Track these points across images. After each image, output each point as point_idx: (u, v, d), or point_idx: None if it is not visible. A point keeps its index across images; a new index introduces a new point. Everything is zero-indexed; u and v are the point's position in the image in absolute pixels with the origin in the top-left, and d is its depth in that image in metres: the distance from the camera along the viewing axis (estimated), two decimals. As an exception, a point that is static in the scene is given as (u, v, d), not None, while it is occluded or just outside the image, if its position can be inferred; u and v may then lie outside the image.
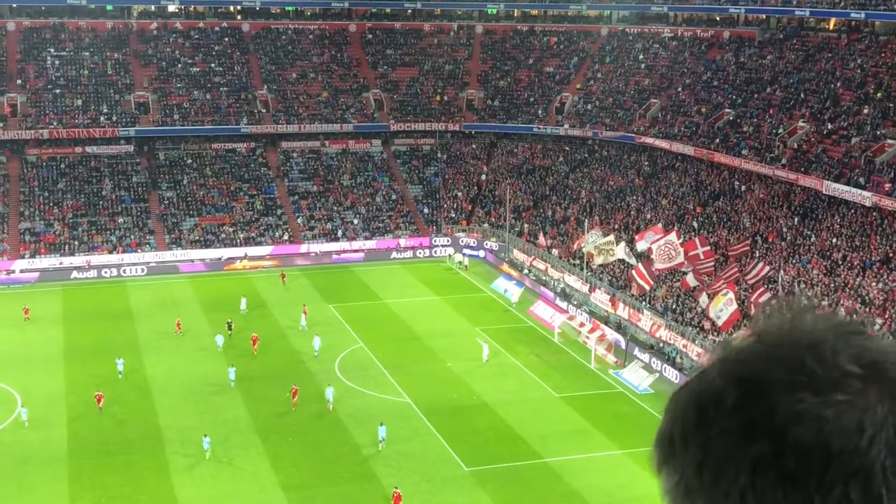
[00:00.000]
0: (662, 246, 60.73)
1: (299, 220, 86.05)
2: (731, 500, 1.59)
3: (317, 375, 55.93)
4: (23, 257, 76.99)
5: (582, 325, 64.19)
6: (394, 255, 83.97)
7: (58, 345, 60.96)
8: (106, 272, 77.25)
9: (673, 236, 61.07)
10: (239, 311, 66.11)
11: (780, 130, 72.79)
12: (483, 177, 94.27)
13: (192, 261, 79.56)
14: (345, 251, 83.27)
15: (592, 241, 66.97)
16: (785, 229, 65.33)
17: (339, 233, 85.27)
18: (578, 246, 72.16)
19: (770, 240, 64.73)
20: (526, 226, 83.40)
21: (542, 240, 77.38)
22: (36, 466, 44.20)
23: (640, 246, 65.07)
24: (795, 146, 70.18)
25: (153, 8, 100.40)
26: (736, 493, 1.58)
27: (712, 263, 59.95)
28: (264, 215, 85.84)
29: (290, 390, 51.12)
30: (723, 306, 53.77)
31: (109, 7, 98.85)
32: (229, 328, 61.22)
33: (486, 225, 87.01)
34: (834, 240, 62.00)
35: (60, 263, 77.01)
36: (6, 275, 75.33)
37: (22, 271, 75.84)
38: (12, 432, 48.03)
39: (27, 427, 48.14)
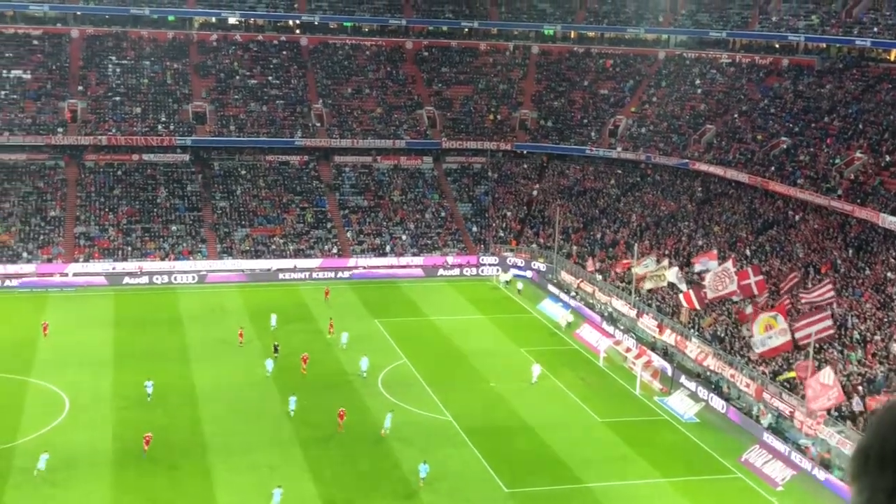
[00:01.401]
0: (719, 272, 60.05)
1: (349, 234, 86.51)
2: None
3: (362, 395, 56.07)
4: (77, 261, 78.23)
5: (628, 350, 63.68)
6: (441, 272, 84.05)
7: (107, 349, 61.78)
8: (157, 279, 78.26)
9: (729, 264, 60.34)
10: (269, 328, 66.10)
11: (837, 161, 71.81)
12: (535, 193, 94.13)
13: (243, 270, 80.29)
14: (392, 266, 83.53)
15: (646, 266, 66.41)
16: (839, 261, 64.35)
17: (388, 248, 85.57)
18: (623, 269, 71.68)
19: (823, 271, 63.77)
20: (574, 248, 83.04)
21: (590, 264, 76.96)
22: (81, 467, 44.73)
23: (697, 268, 64.58)
24: (852, 177, 69.16)
25: (214, 20, 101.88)
26: None
27: (766, 295, 59.14)
28: (314, 228, 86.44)
29: (337, 413, 50.81)
30: (773, 334, 52.82)
31: (171, 18, 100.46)
32: (276, 351, 60.08)
33: (534, 245, 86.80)
34: (889, 273, 60.93)
35: (113, 268, 78.13)
36: (59, 277, 76.57)
37: (75, 275, 77.04)
38: (60, 433, 48.68)
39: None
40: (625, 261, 72.03)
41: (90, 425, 49.52)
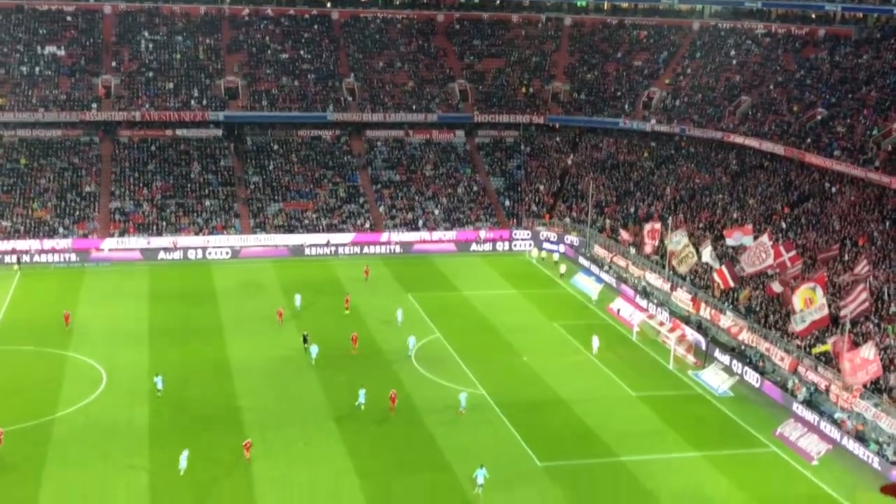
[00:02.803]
0: (754, 248, 59.59)
1: (381, 209, 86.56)
2: None
3: (396, 370, 56.31)
4: (112, 236, 78.90)
5: (662, 324, 63.41)
6: (473, 246, 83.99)
7: (143, 323, 62.38)
8: (191, 253, 78.80)
9: (765, 237, 59.81)
10: (294, 308, 65.38)
11: (875, 132, 70.83)
12: (569, 162, 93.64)
13: (276, 246, 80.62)
14: (425, 241, 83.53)
15: (677, 241, 65.92)
16: (876, 234, 63.60)
17: (420, 223, 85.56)
18: (652, 249, 71.18)
19: (860, 244, 63.06)
20: (608, 221, 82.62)
21: (624, 235, 76.56)
22: (119, 440, 45.26)
23: (729, 242, 64.05)
24: (890, 148, 68.21)
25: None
26: None
27: (800, 267, 58.62)
28: (347, 203, 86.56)
29: (388, 395, 50.23)
30: (813, 310, 52.35)
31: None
32: (305, 341, 58.02)
33: (567, 219, 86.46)
34: (927, 246, 60.16)
35: (148, 243, 78.74)
36: (95, 252, 77.26)
37: (111, 250, 77.72)
38: (99, 405, 49.27)
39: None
40: (654, 227, 71.17)
41: (127, 399, 50.07)
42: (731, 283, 61.38)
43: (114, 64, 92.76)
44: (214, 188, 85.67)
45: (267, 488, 41.37)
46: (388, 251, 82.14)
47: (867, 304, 52.05)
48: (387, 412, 49.27)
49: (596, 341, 59.62)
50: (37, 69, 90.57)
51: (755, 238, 61.74)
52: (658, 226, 71.12)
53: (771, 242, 59.43)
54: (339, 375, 53.91)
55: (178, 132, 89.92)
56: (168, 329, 61.22)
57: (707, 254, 63.97)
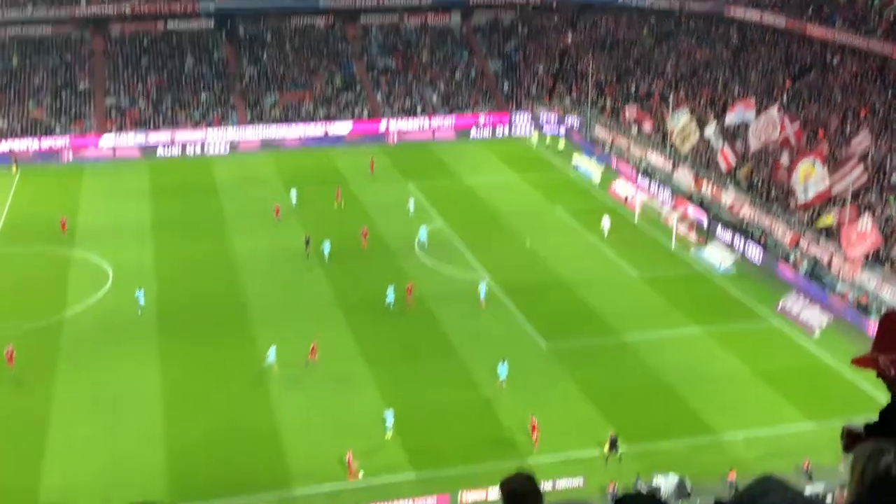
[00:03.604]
0: (763, 121, 58.75)
1: (378, 97, 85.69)
2: None
3: (398, 259, 56.56)
4: (109, 133, 78.39)
5: (664, 203, 63.40)
6: (473, 132, 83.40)
7: (146, 219, 62.48)
8: (190, 148, 78.41)
9: (774, 110, 58.91)
10: (302, 198, 64.54)
11: (876, 1, 69.45)
12: (569, 39, 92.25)
13: (274, 138, 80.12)
14: (423, 129, 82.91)
15: (678, 119, 65.28)
16: (878, 104, 63.00)
17: (419, 109, 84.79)
18: (650, 122, 70.45)
19: (862, 115, 62.54)
20: (608, 101, 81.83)
21: (627, 113, 75.84)
22: (129, 336, 45.89)
23: (730, 119, 63.34)
24: (892, 17, 67.00)
25: None
26: None
27: (803, 140, 58.22)
28: (343, 91, 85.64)
29: (405, 287, 49.83)
30: (813, 181, 52.13)
31: None
32: (307, 245, 55.96)
33: (567, 101, 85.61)
34: (930, 116, 59.65)
35: (146, 139, 78.28)
36: (93, 150, 76.91)
37: (109, 147, 77.31)
38: (106, 303, 49.76)
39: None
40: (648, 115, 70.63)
41: (134, 295, 50.45)
42: (733, 162, 61.05)
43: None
44: (209, 81, 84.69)
45: (274, 373, 42.09)
46: (386, 139, 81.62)
47: (864, 178, 51.84)
48: (401, 304, 49.37)
49: (606, 222, 59.53)
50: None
51: (758, 112, 61.07)
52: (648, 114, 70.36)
53: (780, 115, 58.67)
54: (337, 267, 54.10)
55: (170, 25, 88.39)
56: (171, 225, 61.34)
57: (710, 131, 63.40)
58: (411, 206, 63.19)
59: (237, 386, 41.67)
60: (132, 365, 43.30)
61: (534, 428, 37.18)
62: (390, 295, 48.72)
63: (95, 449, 37.15)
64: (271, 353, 42.57)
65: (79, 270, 54.46)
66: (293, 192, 65.30)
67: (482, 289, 49.78)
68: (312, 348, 43.08)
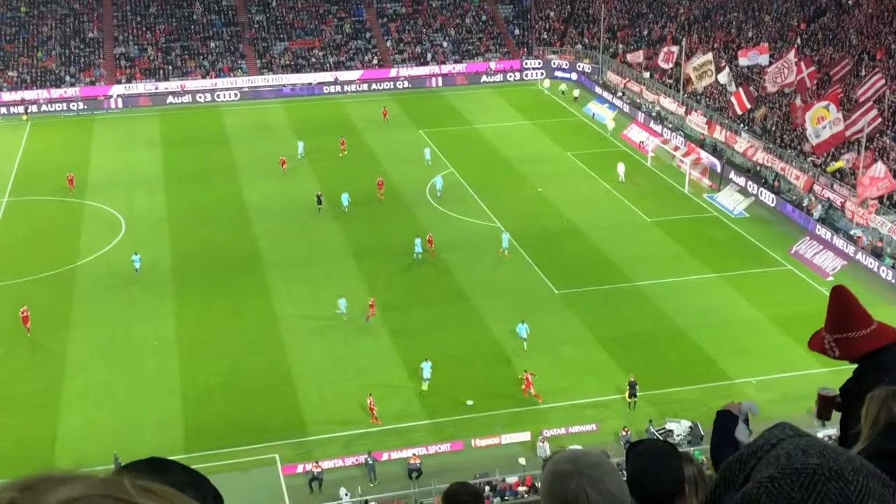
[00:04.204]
0: (779, 64, 58.09)
1: (388, 44, 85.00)
2: None
3: (410, 206, 56.44)
4: (119, 82, 78.09)
5: (676, 148, 63.02)
6: (484, 78, 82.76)
7: (157, 168, 62.43)
8: (200, 97, 78.10)
9: (791, 55, 58.23)
10: (297, 156, 63.06)
11: (896, -60, 68.18)
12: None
13: (284, 86, 79.67)
14: (434, 75, 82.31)
15: (697, 60, 64.54)
16: (894, 46, 62.16)
17: (429, 56, 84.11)
18: (668, 60, 69.66)
19: (878, 58, 61.76)
20: (621, 46, 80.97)
21: (635, 57, 75.00)
22: (144, 284, 46.10)
23: (744, 62, 62.72)
24: (911, -43, 65.85)
25: None
26: None
27: (815, 84, 57.63)
28: (353, 39, 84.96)
29: (427, 238, 49.10)
30: (826, 124, 51.60)
31: None
32: (319, 202, 54.80)
33: (578, 46, 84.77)
34: (947, 58, 58.86)
35: (156, 88, 77.98)
36: (104, 99, 76.65)
37: (119, 96, 77.07)
38: (120, 253, 49.89)
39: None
40: (667, 50, 69.81)
41: (147, 243, 50.63)
42: (748, 105, 60.48)
43: None
44: (218, 29, 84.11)
45: (290, 321, 42.31)
46: (397, 87, 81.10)
47: (879, 120, 51.35)
48: (397, 244, 49.41)
49: (621, 168, 59.21)
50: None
51: (772, 57, 60.41)
52: (674, 48, 69.64)
53: (796, 59, 58.01)
54: (350, 215, 54.08)
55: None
56: (182, 174, 61.24)
57: (724, 76, 62.80)
58: (427, 155, 62.65)
59: (252, 333, 41.89)
60: (146, 313, 43.54)
61: (528, 384, 36.92)
62: (418, 246, 48.39)
63: (111, 397, 37.50)
64: (342, 304, 42.55)
65: (92, 219, 54.58)
66: (300, 145, 64.29)
67: (505, 239, 49.17)
68: (371, 304, 42.61)
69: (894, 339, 3.17)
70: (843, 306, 3.29)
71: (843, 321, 3.28)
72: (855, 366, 3.44)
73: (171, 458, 2.15)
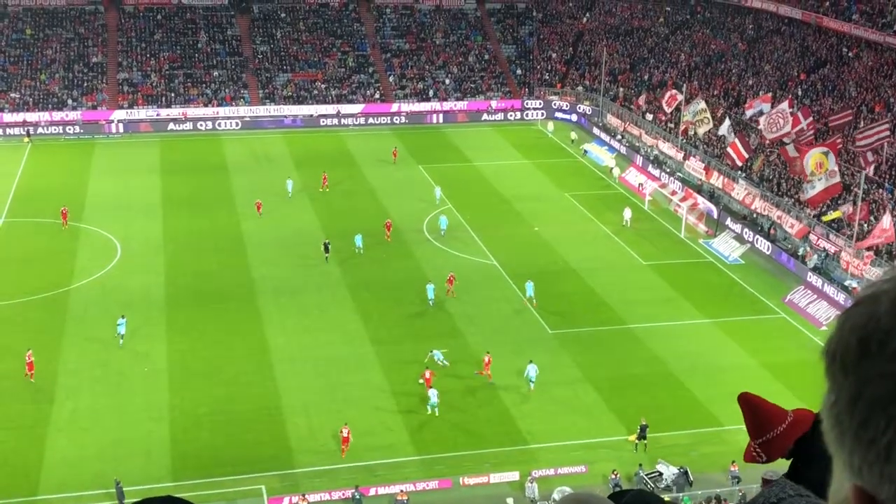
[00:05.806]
0: (773, 114, 58.67)
1: (391, 79, 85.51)
2: (875, 449, 1.41)
3: (407, 242, 56.47)
4: (121, 107, 78.37)
5: (674, 193, 63.26)
6: (485, 117, 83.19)
7: (155, 195, 62.48)
8: (201, 125, 78.35)
9: (785, 105, 58.80)
10: (286, 196, 61.56)
11: (896, -5, 68.95)
12: (584, 20, 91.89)
13: (286, 117, 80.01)
14: (435, 111, 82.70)
15: (694, 108, 65.03)
16: (892, 100, 62.65)
17: (431, 93, 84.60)
18: (670, 104, 69.99)
19: (876, 110, 62.20)
20: (621, 89, 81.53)
21: (640, 102, 75.43)
22: (136, 310, 45.94)
23: (750, 113, 63.21)
24: (911, 12, 66.56)
25: None
26: (882, 445, 1.41)
27: (812, 133, 58.01)
28: (356, 72, 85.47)
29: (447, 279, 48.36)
30: (823, 177, 51.83)
31: None
32: (326, 250, 52.45)
33: (580, 88, 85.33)
34: (945, 112, 59.28)
35: (157, 115, 78.26)
36: (105, 124, 76.87)
37: (120, 122, 77.30)
38: (115, 277, 49.84)
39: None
40: (671, 94, 70.22)
41: (142, 269, 50.60)
42: (745, 155, 60.77)
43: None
44: (222, 58, 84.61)
45: (281, 352, 42.20)
46: (394, 121, 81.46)
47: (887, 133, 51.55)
48: (393, 276, 49.46)
49: (628, 213, 59.30)
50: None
51: (773, 106, 60.88)
52: (675, 93, 70.08)
53: (791, 110, 58.54)
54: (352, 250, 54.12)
55: (184, 0, 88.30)
56: (180, 201, 61.30)
57: (724, 128, 63.21)
58: (437, 193, 61.89)
59: (243, 362, 41.73)
60: (138, 339, 43.39)
61: (486, 364, 40.15)
62: (430, 292, 47.22)
63: (99, 421, 37.27)
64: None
65: (88, 243, 54.54)
66: (289, 183, 62.55)
67: (529, 288, 47.75)
68: (487, 362, 40.85)
69: (813, 420, 3.10)
70: (752, 411, 3.23)
71: (759, 425, 3.22)
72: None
73: (180, 495, 2.15)
